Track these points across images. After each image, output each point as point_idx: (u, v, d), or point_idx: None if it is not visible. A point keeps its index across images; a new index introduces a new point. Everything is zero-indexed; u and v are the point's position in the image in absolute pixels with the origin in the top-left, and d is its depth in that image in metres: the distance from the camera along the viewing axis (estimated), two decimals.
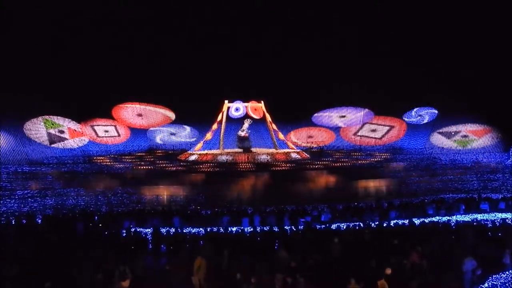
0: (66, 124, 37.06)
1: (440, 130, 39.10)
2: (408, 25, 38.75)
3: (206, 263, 10.99)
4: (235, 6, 39.40)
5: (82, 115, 38.01)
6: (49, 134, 35.91)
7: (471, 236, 13.57)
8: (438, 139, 39.05)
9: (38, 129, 35.45)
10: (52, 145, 35.65)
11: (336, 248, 12.52)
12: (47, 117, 36.01)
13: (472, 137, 37.90)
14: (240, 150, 35.58)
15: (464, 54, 36.97)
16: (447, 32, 37.94)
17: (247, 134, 35.88)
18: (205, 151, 35.78)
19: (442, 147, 38.19)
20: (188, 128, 42.63)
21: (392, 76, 37.82)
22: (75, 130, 37.31)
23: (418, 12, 38.86)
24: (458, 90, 35.90)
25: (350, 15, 40.25)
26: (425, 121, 41.01)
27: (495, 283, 10.74)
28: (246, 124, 36.05)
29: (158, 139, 42.43)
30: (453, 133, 38.48)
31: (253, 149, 35.82)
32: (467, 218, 18.27)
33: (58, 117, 36.79)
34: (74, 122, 37.44)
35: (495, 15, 35.55)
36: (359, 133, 42.06)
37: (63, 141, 36.57)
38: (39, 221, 18.60)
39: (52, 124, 36.21)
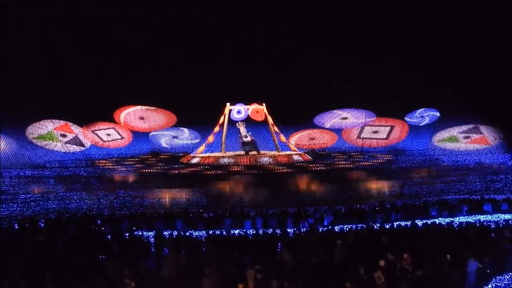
0: (51, 126, 36.53)
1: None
2: (409, 25, 38.77)
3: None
4: (236, 7, 39.46)
5: (83, 119, 38.02)
6: (64, 145, 36.08)
7: (474, 237, 13.54)
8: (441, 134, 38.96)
9: (40, 132, 35.51)
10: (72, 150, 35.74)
11: (339, 250, 12.50)
12: (35, 134, 35.23)
13: (468, 141, 37.82)
14: (243, 152, 35.45)
15: (466, 53, 36.92)
16: (449, 31, 37.91)
17: (252, 138, 35.65)
18: (207, 154, 35.86)
19: (444, 148, 38.13)
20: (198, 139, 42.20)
21: (394, 77, 37.77)
22: (61, 126, 36.67)
23: (419, 12, 38.85)
24: (461, 91, 35.87)
25: (350, 15, 40.24)
26: (427, 122, 40.90)
27: (498, 284, 10.72)
28: (242, 128, 35.69)
29: (161, 142, 42.46)
30: (456, 133, 38.34)
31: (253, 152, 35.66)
32: (470, 219, 18.23)
33: (40, 123, 35.96)
34: (52, 120, 36.74)
35: (497, 14, 35.49)
36: (362, 135, 41.95)
37: (79, 140, 36.77)
38: (42, 225, 18.63)
39: (46, 136, 35.78)
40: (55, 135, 35.78)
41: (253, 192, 25.38)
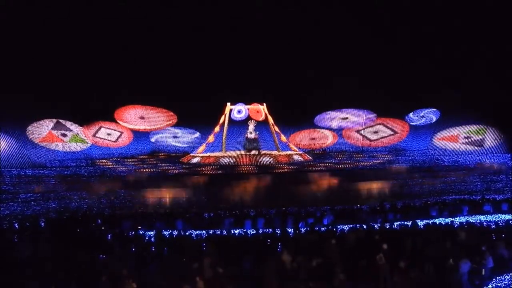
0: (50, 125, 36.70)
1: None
2: (409, 25, 38.73)
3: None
4: (236, 8, 39.41)
5: (84, 119, 38.01)
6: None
7: (473, 237, 13.52)
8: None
9: (41, 132, 35.52)
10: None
11: (333, 249, 12.50)
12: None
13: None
14: (244, 152, 35.50)
15: (467, 53, 36.89)
16: (449, 32, 37.86)
17: (257, 136, 35.85)
18: (208, 154, 35.85)
19: (445, 148, 38.10)
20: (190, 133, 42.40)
21: (394, 77, 37.75)
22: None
23: (419, 12, 38.82)
24: (461, 91, 35.84)
25: (350, 16, 40.18)
26: (428, 122, 40.86)
27: (498, 284, 10.72)
28: (251, 126, 35.90)
29: (161, 142, 42.43)
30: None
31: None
32: (470, 219, 18.22)
33: (41, 123, 36.09)
34: (52, 119, 36.78)
35: (498, 14, 35.43)
36: (361, 132, 41.92)
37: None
38: (42, 224, 18.64)
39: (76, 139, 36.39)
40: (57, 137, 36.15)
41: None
